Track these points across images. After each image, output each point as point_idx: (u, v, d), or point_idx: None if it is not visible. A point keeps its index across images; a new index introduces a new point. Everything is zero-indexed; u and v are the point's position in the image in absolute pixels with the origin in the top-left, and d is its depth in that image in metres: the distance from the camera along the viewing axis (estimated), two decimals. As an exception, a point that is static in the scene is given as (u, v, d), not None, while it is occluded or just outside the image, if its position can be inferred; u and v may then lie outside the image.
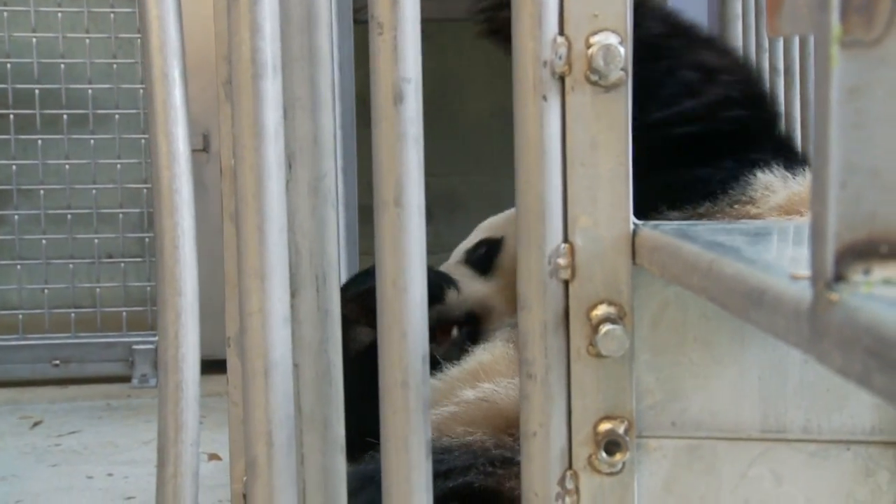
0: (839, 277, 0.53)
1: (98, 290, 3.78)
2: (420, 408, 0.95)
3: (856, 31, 0.53)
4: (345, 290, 1.96)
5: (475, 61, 5.01)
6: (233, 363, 1.10)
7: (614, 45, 0.92)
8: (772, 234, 0.84)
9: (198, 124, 3.65)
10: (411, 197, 0.94)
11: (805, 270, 0.57)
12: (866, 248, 0.54)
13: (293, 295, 1.00)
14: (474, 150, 5.05)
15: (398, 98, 0.93)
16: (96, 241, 3.80)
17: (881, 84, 0.53)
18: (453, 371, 1.55)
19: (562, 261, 0.93)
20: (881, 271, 0.53)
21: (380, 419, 0.97)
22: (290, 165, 0.99)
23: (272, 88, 0.95)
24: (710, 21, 3.14)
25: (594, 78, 0.92)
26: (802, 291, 0.56)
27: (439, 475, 1.22)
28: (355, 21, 3.35)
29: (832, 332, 0.51)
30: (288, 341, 0.98)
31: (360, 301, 1.84)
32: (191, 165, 0.99)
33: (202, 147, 3.82)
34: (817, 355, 0.53)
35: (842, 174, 0.53)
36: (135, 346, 3.62)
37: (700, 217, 1.46)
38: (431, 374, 1.41)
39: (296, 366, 1.01)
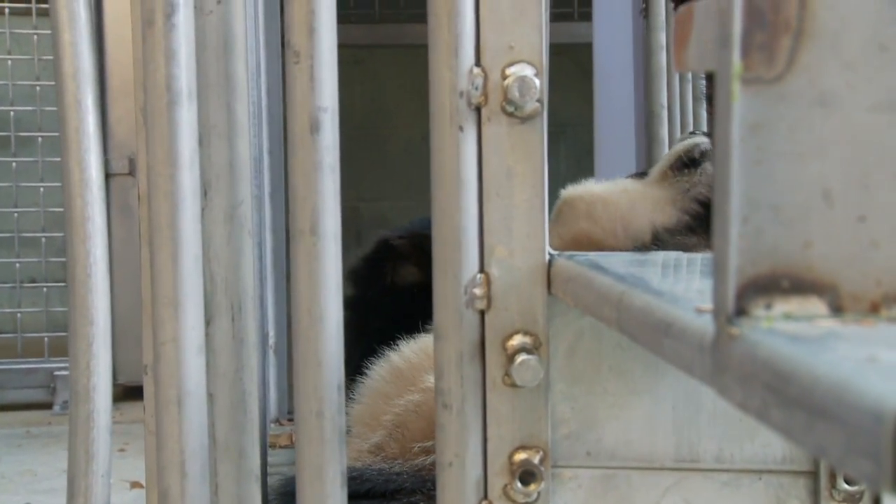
0: (741, 312, 0.54)
1: (19, 315, 3.72)
2: (335, 438, 0.94)
3: (757, 68, 0.54)
4: (404, 230, 1.95)
5: (406, 87, 5.01)
6: (149, 391, 1.08)
7: (530, 76, 0.92)
8: (683, 266, 0.85)
9: (124, 147, 3.60)
10: (327, 226, 0.93)
11: (710, 303, 0.57)
12: (768, 283, 0.54)
13: (208, 323, 0.99)
14: (405, 175, 5.05)
15: (315, 127, 0.93)
16: (18, 265, 3.74)
17: (782, 120, 0.54)
18: (424, 341, 1.52)
19: (478, 291, 0.93)
20: (782, 306, 0.54)
21: (295, 448, 0.97)
22: (205, 193, 0.99)
23: (187, 115, 0.95)
24: (636, 51, 3.18)
25: (510, 109, 0.93)
26: (706, 325, 0.57)
27: (388, 493, 1.22)
28: (284, 45, 3.35)
29: (732, 366, 0.51)
30: (202, 370, 0.97)
31: (416, 241, 1.82)
32: (104, 193, 0.98)
33: (128, 171, 3.77)
34: (719, 389, 0.54)
35: (743, 209, 0.54)
36: (56, 373, 3.56)
37: None
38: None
39: (210, 395, 1.00)
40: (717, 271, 0.54)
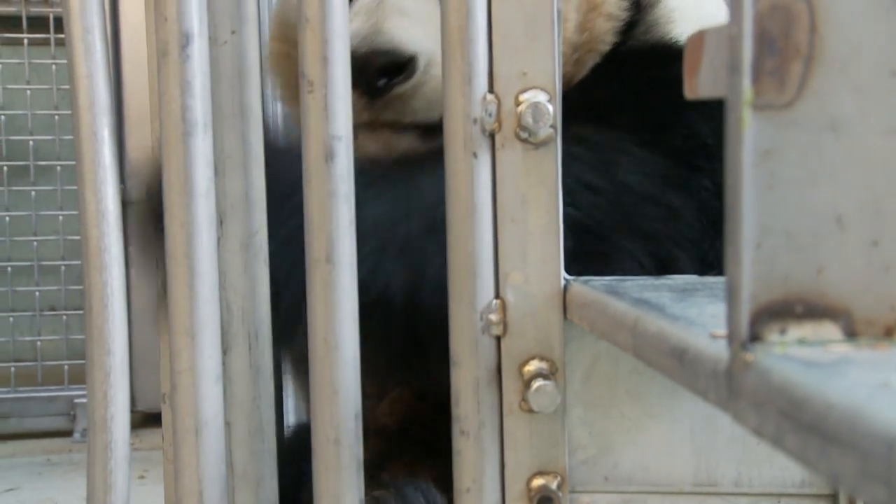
0: (755, 337, 0.54)
1: (39, 343, 3.73)
2: (353, 465, 0.95)
3: (768, 94, 0.54)
4: None
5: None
6: (167, 420, 1.09)
7: (543, 102, 0.92)
8: (698, 290, 0.85)
9: (142, 174, 3.61)
10: (343, 254, 0.94)
11: (724, 329, 0.57)
12: (782, 309, 0.54)
13: (225, 352, 0.99)
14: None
15: (329, 156, 0.93)
16: (37, 293, 3.75)
17: (794, 146, 0.54)
18: None
19: (494, 317, 0.93)
20: (797, 331, 0.54)
21: (312, 476, 0.97)
22: (221, 222, 0.99)
23: (202, 145, 0.95)
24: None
25: (524, 135, 0.93)
26: (720, 351, 0.57)
27: None
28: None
29: (747, 392, 0.51)
30: (220, 399, 0.97)
31: None
32: (121, 223, 0.99)
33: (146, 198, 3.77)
34: (734, 415, 0.54)
35: (756, 235, 0.54)
36: (76, 400, 3.56)
37: None
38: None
39: (228, 424, 1.00)
40: (731, 297, 0.54)
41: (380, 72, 1.26)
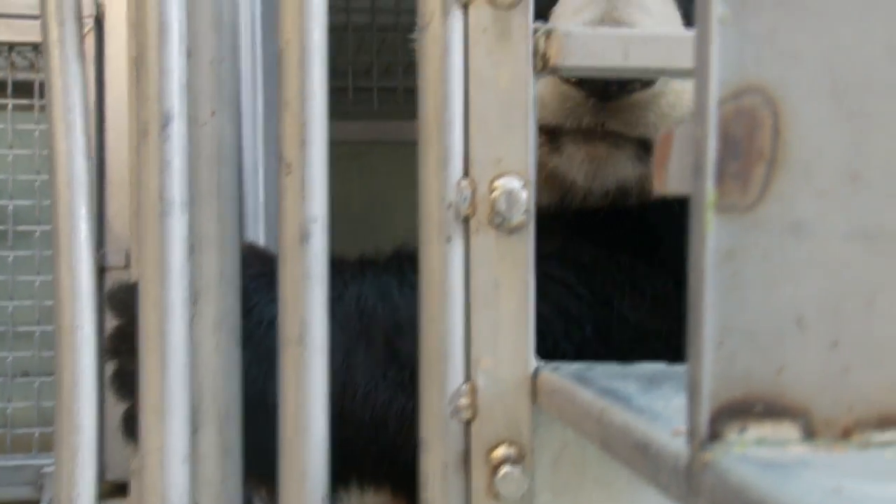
0: (715, 436, 0.54)
1: (9, 409, 3.69)
2: (319, 548, 0.94)
3: (731, 195, 0.56)
4: None
5: (404, 183, 5.01)
6: (135, 498, 1.08)
7: (517, 189, 0.93)
8: (665, 379, 0.86)
9: (121, 241, 3.59)
10: (315, 336, 0.94)
11: (686, 424, 0.58)
12: (742, 407, 0.55)
13: (195, 431, 0.99)
14: (400, 270, 5.02)
15: (304, 237, 0.94)
16: (10, 358, 3.71)
17: (756, 247, 0.55)
18: None
19: (463, 401, 0.93)
20: (756, 430, 0.55)
21: None
22: (195, 301, 0.99)
23: (178, 225, 0.96)
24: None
25: (498, 221, 0.94)
26: (682, 447, 0.57)
27: None
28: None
29: (705, 491, 0.52)
30: (187, 480, 0.97)
31: None
32: (94, 301, 0.99)
33: (124, 265, 3.76)
34: (694, 513, 0.54)
35: (717, 335, 0.55)
36: (44, 470, 3.52)
37: None
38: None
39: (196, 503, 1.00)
40: (692, 396, 0.55)
41: None
